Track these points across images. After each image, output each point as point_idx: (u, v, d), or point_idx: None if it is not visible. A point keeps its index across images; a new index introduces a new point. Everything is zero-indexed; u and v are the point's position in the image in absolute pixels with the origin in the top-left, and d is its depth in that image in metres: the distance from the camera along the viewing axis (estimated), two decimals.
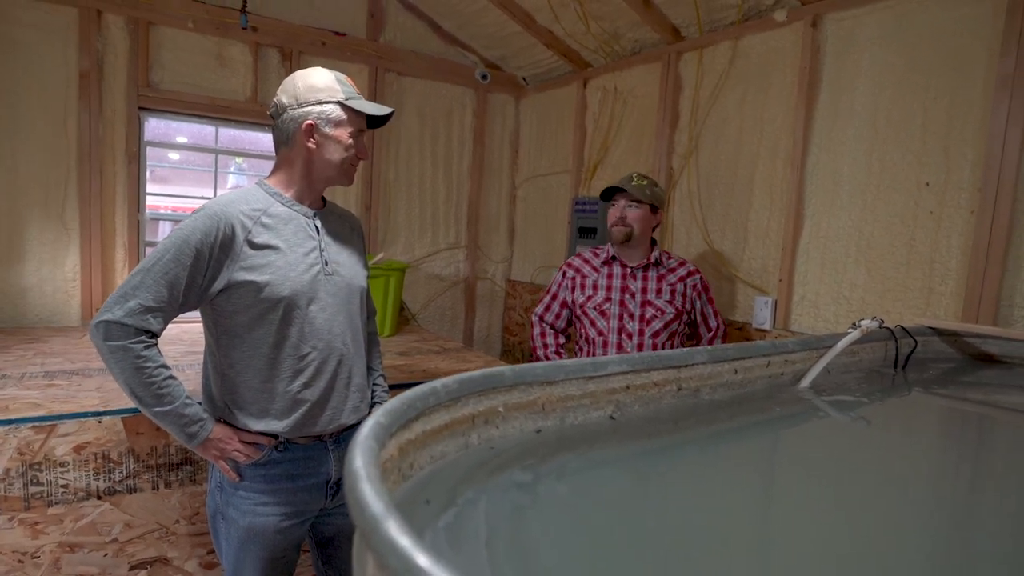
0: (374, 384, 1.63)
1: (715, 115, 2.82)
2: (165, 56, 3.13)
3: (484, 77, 4.04)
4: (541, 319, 2.32)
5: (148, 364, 1.23)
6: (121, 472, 1.71)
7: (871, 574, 0.56)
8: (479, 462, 0.72)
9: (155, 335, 1.26)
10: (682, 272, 2.20)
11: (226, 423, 1.36)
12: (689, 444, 0.91)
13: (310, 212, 1.42)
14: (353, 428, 1.50)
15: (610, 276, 2.18)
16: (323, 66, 1.47)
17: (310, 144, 1.37)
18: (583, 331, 2.21)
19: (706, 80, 2.87)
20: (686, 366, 1.01)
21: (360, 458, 0.43)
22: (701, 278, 2.22)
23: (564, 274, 2.28)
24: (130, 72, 3.03)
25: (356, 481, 0.40)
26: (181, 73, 3.17)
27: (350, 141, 1.40)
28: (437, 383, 0.68)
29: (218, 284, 1.29)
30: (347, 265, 1.47)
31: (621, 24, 3.09)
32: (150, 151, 3.23)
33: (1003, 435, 1.16)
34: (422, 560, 0.30)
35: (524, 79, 4.16)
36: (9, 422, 1.58)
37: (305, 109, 1.36)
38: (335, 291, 1.41)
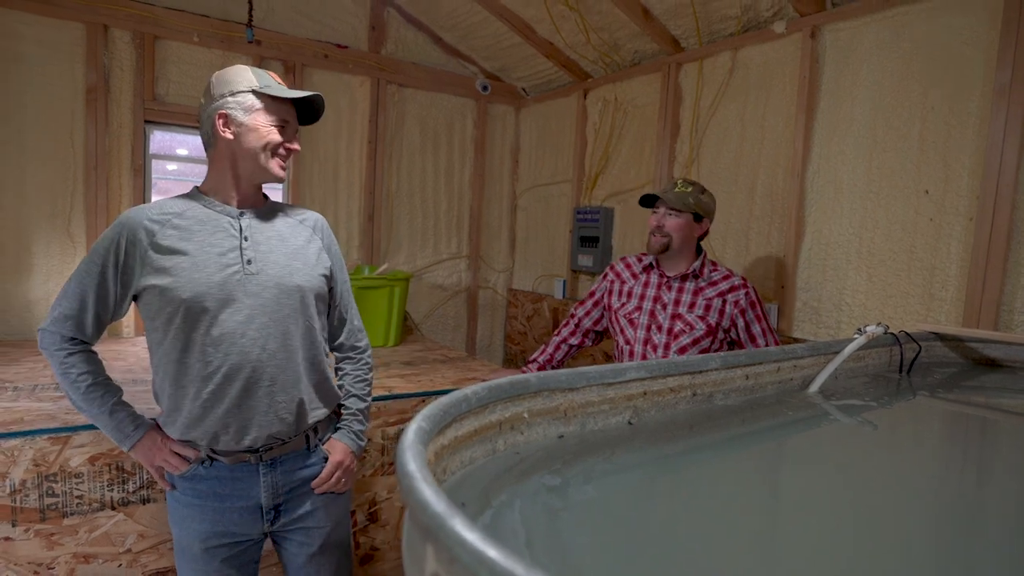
0: (342, 406, 1.54)
1: (715, 125, 2.86)
2: (171, 70, 3.16)
3: (485, 88, 4.08)
4: (573, 315, 2.29)
5: (72, 370, 1.29)
6: (134, 483, 1.72)
7: (877, 573, 0.58)
8: (506, 467, 0.74)
9: (82, 342, 1.32)
10: (724, 287, 2.01)
11: (160, 430, 1.37)
12: (706, 448, 0.94)
13: (234, 212, 1.38)
14: (293, 449, 1.42)
15: (646, 284, 2.08)
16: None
17: (226, 135, 1.34)
18: (615, 338, 2.16)
19: (706, 90, 2.91)
20: (700, 372, 1.04)
21: (412, 461, 0.45)
22: (747, 294, 2.00)
23: (605, 276, 2.23)
24: (136, 86, 3.06)
25: (413, 483, 0.42)
26: (186, 86, 3.20)
27: (269, 128, 1.36)
28: (468, 390, 0.70)
29: (132, 290, 1.32)
30: (280, 263, 1.38)
31: (621, 35, 3.13)
32: (152, 163, 3.26)
33: (1007, 438, 1.18)
34: (492, 553, 0.33)
35: (524, 90, 4.21)
36: (25, 434, 1.60)
37: (219, 102, 1.34)
38: (258, 291, 1.34)
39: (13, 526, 1.58)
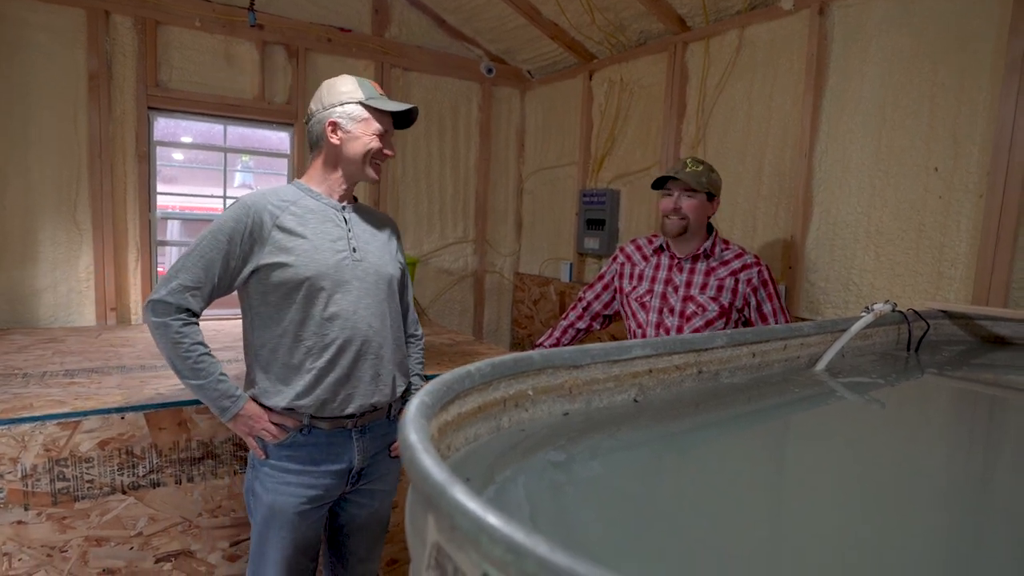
0: (409, 381, 1.69)
1: (722, 104, 2.83)
2: (173, 55, 3.14)
3: (490, 71, 4.05)
4: (581, 298, 2.25)
5: (185, 340, 1.37)
6: (145, 467, 1.74)
7: (884, 549, 0.58)
8: (511, 444, 0.74)
9: (195, 314, 1.41)
10: (736, 265, 1.96)
11: (258, 402, 1.46)
12: (712, 426, 0.93)
13: (339, 205, 1.54)
14: (378, 418, 1.56)
15: (657, 267, 2.05)
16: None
17: (334, 140, 1.50)
18: (627, 323, 2.12)
19: (713, 70, 2.87)
20: (706, 350, 1.03)
21: (414, 433, 0.45)
22: (760, 272, 1.96)
23: (615, 258, 2.19)
24: (139, 72, 3.05)
25: (414, 454, 0.42)
26: (189, 72, 3.19)
27: (372, 136, 1.52)
28: (471, 367, 0.70)
29: (250, 266, 1.42)
30: (377, 254, 1.55)
31: (626, 15, 3.10)
32: (157, 150, 3.25)
33: (1015, 416, 1.17)
34: (492, 519, 0.32)
35: (529, 72, 4.17)
36: (35, 419, 1.61)
37: (329, 111, 1.50)
38: (363, 276, 1.50)
39: (26, 510, 1.60)
